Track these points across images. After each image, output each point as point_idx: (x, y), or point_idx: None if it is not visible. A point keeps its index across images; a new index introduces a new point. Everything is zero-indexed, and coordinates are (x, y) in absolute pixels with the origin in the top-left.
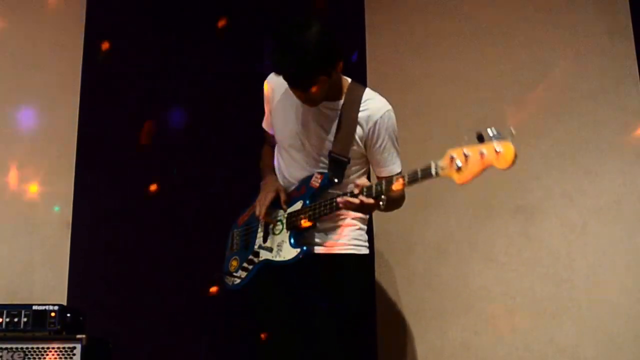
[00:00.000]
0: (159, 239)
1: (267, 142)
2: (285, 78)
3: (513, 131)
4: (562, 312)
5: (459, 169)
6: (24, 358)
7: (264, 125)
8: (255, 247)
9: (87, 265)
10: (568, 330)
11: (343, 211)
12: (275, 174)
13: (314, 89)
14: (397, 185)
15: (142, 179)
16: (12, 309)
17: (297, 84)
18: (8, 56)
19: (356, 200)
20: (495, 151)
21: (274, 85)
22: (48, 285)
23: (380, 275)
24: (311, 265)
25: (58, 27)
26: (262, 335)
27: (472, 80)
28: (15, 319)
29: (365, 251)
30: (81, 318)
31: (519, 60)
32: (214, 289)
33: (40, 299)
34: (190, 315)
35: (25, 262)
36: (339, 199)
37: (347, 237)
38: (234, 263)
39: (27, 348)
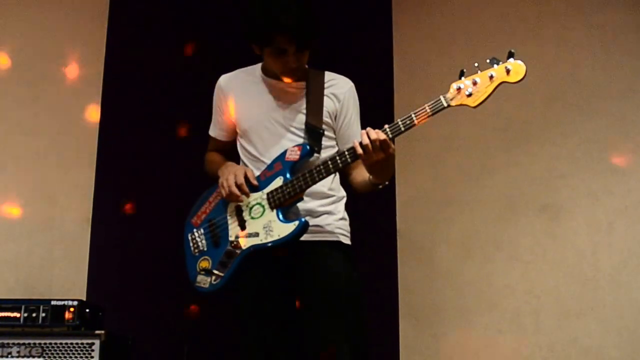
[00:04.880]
0: (178, 235)
1: (210, 149)
2: (287, 36)
3: (513, 50)
4: (586, 312)
5: (470, 95)
6: (42, 353)
7: (212, 132)
8: (231, 238)
9: (107, 261)
10: (592, 330)
11: (328, 196)
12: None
13: (305, 52)
14: (421, 118)
15: (161, 175)
16: (31, 304)
17: (302, 40)
18: (30, 51)
19: (379, 134)
20: (506, 69)
21: (225, 84)
22: (67, 280)
23: (403, 274)
24: (295, 253)
25: (81, 19)
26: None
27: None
28: (34, 314)
29: (349, 242)
30: (100, 314)
31: (547, 58)
32: None
33: (59, 294)
34: (211, 311)
35: (44, 257)
36: (368, 129)
37: (331, 226)
38: (204, 264)
39: (45, 343)
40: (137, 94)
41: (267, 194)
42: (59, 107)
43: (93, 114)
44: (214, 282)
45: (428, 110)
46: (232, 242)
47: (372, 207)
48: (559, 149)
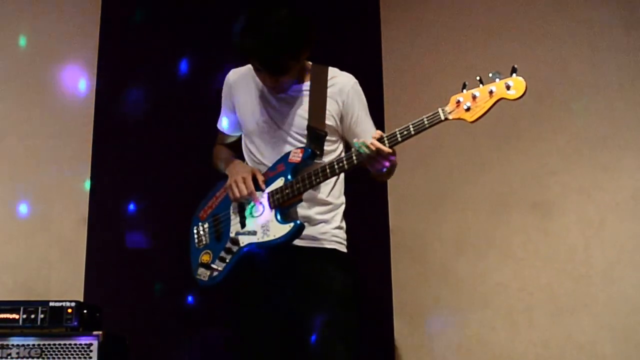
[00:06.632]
0: (175, 235)
1: (219, 142)
2: (256, 62)
3: (515, 66)
4: (580, 309)
5: (468, 109)
6: (41, 354)
7: (219, 126)
8: (232, 234)
9: (104, 261)
10: (586, 326)
11: (327, 204)
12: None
13: (283, 77)
14: (418, 130)
15: (158, 175)
16: (29, 305)
17: (269, 69)
18: (25, 48)
19: (382, 148)
20: (506, 86)
21: (233, 81)
22: (65, 281)
23: (396, 272)
24: (292, 258)
25: (75, 20)
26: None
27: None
28: (32, 316)
29: (345, 250)
30: (98, 314)
31: (535, 55)
32: None
33: (57, 295)
34: (208, 310)
35: (42, 258)
36: (371, 140)
37: (328, 234)
38: (206, 257)
39: (43, 344)
40: (132, 95)
41: (268, 193)
42: (55, 109)
43: (88, 115)
44: (213, 276)
45: (425, 123)
46: (231, 238)
47: (365, 206)
48: (549, 145)
